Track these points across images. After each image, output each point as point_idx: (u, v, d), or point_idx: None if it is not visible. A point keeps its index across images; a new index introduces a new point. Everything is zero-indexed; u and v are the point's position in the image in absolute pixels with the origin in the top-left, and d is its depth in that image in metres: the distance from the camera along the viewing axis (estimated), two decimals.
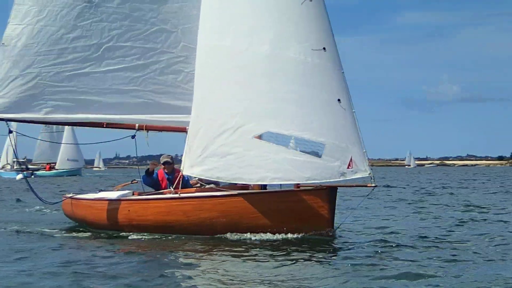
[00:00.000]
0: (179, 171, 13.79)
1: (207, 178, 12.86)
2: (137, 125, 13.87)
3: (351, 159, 11.65)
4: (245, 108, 12.19)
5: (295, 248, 11.24)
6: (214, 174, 12.45)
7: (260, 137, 12.02)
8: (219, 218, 12.35)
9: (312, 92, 11.88)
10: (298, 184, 12.21)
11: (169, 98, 13.62)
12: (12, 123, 13.95)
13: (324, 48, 11.94)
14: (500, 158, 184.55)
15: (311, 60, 11.91)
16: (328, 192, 11.90)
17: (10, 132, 14.24)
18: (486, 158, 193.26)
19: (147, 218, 13.06)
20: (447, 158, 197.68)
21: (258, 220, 12.15)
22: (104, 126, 13.98)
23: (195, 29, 13.29)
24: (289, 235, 12.01)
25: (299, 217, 11.98)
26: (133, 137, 14.27)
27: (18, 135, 15.62)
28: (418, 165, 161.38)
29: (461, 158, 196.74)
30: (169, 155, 14.18)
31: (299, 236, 11.99)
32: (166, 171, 13.94)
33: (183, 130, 13.75)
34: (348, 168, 11.64)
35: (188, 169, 12.73)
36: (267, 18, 12.20)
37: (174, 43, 13.48)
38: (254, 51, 12.21)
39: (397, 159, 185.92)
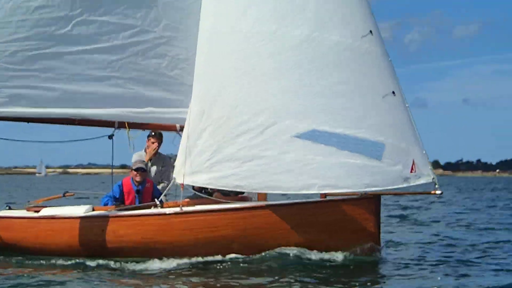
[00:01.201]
0: (150, 181, 11.09)
1: (219, 188, 10.26)
2: (116, 122, 10.83)
3: (413, 162, 9.75)
4: (274, 104, 9.72)
5: (333, 272, 9.30)
6: (231, 182, 9.85)
7: (300, 136, 9.74)
8: (239, 236, 9.94)
9: (364, 82, 9.77)
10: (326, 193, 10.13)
11: (153, 89, 10.69)
12: None
13: (370, 31, 9.96)
14: None
15: (359, 45, 9.85)
16: (375, 202, 9.92)
17: None
18: None
19: (132, 239, 10.22)
20: None
21: (289, 237, 9.87)
22: (76, 123, 10.80)
23: (179, 5, 10.71)
24: (325, 255, 9.88)
25: (340, 232, 9.86)
26: (110, 137, 11.15)
27: None
28: None
29: None
30: (143, 161, 11.27)
31: (338, 256, 9.90)
32: (138, 180, 11.01)
33: (173, 129, 11.02)
34: (411, 172, 9.74)
35: (187, 176, 10.06)
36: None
37: (154, 20, 10.62)
38: (286, 34, 9.88)
39: None
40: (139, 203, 10.84)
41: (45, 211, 10.93)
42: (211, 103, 9.99)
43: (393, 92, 9.83)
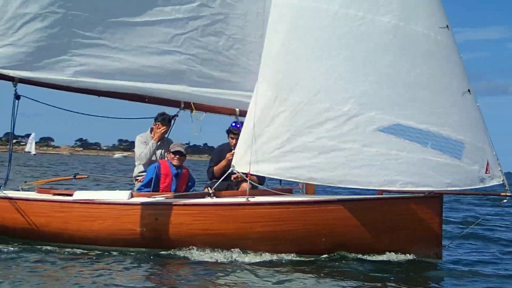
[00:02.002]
0: (186, 168, 10.35)
1: (287, 179, 9.65)
2: (182, 102, 9.91)
3: (487, 162, 9.65)
4: (363, 92, 9.28)
5: (397, 272, 8.93)
6: (305, 174, 9.30)
7: (384, 130, 9.34)
8: (308, 231, 9.41)
9: (446, 78, 9.50)
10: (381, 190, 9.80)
11: (212, 68, 9.92)
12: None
13: (447, 26, 9.73)
14: None
15: (441, 39, 9.54)
16: (441, 201, 9.74)
17: (18, 97, 9.25)
18: None
19: (191, 229, 9.46)
20: None
21: (360, 235, 9.49)
22: (146, 101, 9.77)
23: None
24: (378, 256, 9.51)
25: (406, 231, 9.56)
26: (173, 117, 10.25)
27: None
28: None
29: None
30: (184, 144, 10.42)
31: (396, 257, 9.55)
32: (175, 164, 10.21)
33: (232, 113, 10.25)
34: (486, 173, 9.60)
35: (247, 164, 9.40)
36: None
37: None
38: (374, 20, 9.43)
39: None
40: (175, 187, 10.13)
41: (79, 195, 9.87)
42: (287, 88, 9.39)
43: (469, 90, 9.68)
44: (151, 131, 10.98)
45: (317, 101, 9.31)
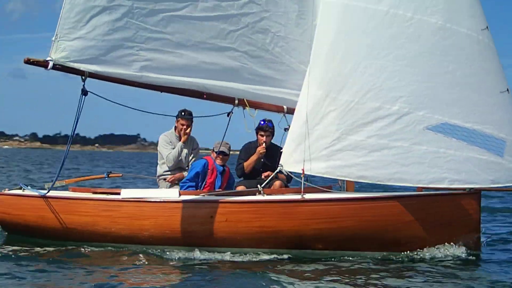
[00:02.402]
0: (227, 166, 10.38)
1: (337, 178, 9.77)
2: (237, 99, 9.88)
3: None
4: (412, 91, 9.49)
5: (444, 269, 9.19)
6: (355, 172, 9.48)
7: (433, 129, 9.55)
8: (363, 228, 9.57)
9: (488, 77, 9.82)
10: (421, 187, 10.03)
11: (260, 65, 9.92)
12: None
13: (487, 27, 10.01)
14: None
15: (482, 39, 9.84)
16: (480, 197, 10.03)
17: (86, 93, 8.98)
18: None
19: (248, 227, 9.50)
20: None
21: (413, 232, 9.67)
22: (204, 97, 9.70)
23: None
24: (427, 252, 9.72)
25: (452, 227, 9.79)
26: (228, 114, 10.20)
27: None
28: None
29: None
30: (228, 143, 10.43)
31: (442, 252, 9.77)
32: (219, 163, 10.25)
33: (281, 110, 10.28)
34: None
35: (298, 164, 9.48)
36: None
37: None
38: (422, 21, 9.62)
39: None
40: (220, 185, 10.14)
41: (128, 193, 9.75)
42: (337, 87, 9.52)
43: (507, 90, 9.99)
44: (175, 129, 10.96)
45: (366, 100, 9.48)
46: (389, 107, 9.47)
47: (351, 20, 9.59)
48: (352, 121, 9.49)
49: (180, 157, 10.75)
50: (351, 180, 9.77)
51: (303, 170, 9.48)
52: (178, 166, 10.83)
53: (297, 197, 9.55)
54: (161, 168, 10.89)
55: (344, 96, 9.51)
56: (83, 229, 9.77)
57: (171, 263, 9.01)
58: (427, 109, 9.50)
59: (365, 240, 9.60)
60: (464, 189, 9.74)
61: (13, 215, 9.99)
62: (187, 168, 10.80)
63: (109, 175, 11.25)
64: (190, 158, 10.90)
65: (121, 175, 11.76)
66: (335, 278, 8.37)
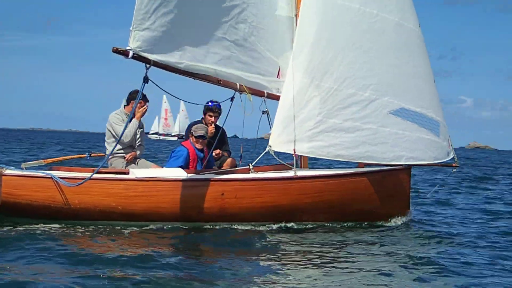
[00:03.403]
0: (206, 149, 10.88)
1: (318, 157, 10.64)
2: (238, 84, 10.19)
3: (449, 139, 11.76)
4: (379, 80, 10.76)
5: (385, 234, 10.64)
6: (333, 151, 10.54)
7: (394, 113, 10.88)
8: (340, 202, 10.67)
9: (428, 68, 11.39)
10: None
11: (243, 54, 10.42)
12: None
13: (419, 24, 11.57)
14: None
15: (421, 35, 11.40)
16: (410, 172, 11.65)
17: (147, 81, 8.78)
18: None
19: (253, 203, 10.13)
20: None
21: (367, 206, 11.00)
22: (220, 83, 9.88)
23: None
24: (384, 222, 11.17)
25: (393, 200, 11.35)
26: (232, 99, 10.43)
27: None
28: None
29: None
30: (205, 126, 10.76)
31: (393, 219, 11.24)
32: (199, 147, 10.62)
33: (262, 95, 10.79)
34: (449, 148, 11.72)
35: (284, 144, 10.35)
36: None
37: None
38: (384, 18, 10.87)
39: None
40: (201, 168, 10.60)
41: (139, 173, 9.87)
42: (321, 73, 10.49)
43: (434, 80, 11.72)
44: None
45: (344, 87, 10.58)
46: (361, 93, 10.68)
47: (331, 14, 10.58)
48: (332, 105, 10.54)
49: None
50: (330, 158, 10.80)
51: (294, 150, 10.34)
52: (130, 144, 11.03)
53: (291, 174, 10.39)
54: (110, 146, 10.82)
55: (326, 83, 10.51)
56: (97, 209, 9.70)
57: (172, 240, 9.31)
58: (389, 95, 10.88)
59: (341, 211, 10.75)
60: (401, 165, 11.29)
61: (20, 196, 9.51)
62: (136, 146, 11.05)
63: (91, 155, 11.04)
64: (138, 137, 11.14)
65: (103, 154, 11.37)
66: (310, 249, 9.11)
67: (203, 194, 9.95)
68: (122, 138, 10.70)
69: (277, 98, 10.91)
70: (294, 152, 10.36)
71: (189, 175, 10.07)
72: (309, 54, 10.49)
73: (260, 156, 10.51)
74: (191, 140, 10.67)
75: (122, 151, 10.98)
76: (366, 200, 10.87)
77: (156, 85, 9.08)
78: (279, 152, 10.54)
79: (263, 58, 10.85)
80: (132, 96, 11.10)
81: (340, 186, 10.66)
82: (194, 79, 9.78)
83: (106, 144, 11.14)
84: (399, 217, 11.28)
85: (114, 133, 10.95)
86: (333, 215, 10.70)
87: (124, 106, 11.17)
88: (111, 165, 11.01)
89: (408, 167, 11.40)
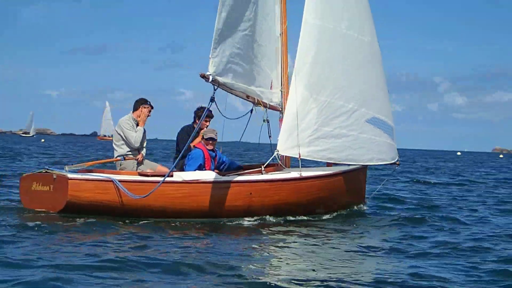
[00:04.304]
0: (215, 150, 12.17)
1: (314, 159, 12.17)
2: (256, 98, 11.45)
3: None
4: (358, 93, 12.54)
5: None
6: (326, 155, 12.23)
7: (368, 121, 12.71)
8: (331, 196, 12.43)
9: (384, 78, 13.33)
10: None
11: (252, 70, 11.83)
12: None
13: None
14: None
15: (379, 47, 13.30)
16: (366, 170, 13.67)
17: (213, 100, 10.73)
18: None
19: (273, 200, 11.59)
20: None
21: (345, 198, 12.85)
22: (247, 98, 11.26)
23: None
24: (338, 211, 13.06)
25: (357, 192, 13.29)
26: (251, 111, 11.66)
27: None
28: None
29: None
30: (214, 130, 11.91)
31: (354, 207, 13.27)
32: (210, 148, 11.79)
33: (265, 106, 12.12)
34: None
35: (289, 149, 11.90)
36: (364, 7, 12.82)
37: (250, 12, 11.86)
38: (361, 40, 12.67)
39: None
40: (213, 167, 11.83)
41: (183, 176, 11.18)
42: (319, 89, 12.10)
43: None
44: (132, 113, 12.08)
45: (335, 100, 12.28)
46: (347, 105, 12.44)
47: (324, 38, 12.20)
48: (326, 116, 12.19)
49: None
50: (323, 160, 12.44)
51: (299, 154, 11.87)
52: (138, 147, 12.03)
53: (296, 175, 11.93)
54: (121, 149, 11.92)
55: (322, 97, 12.12)
56: (151, 208, 10.79)
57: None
58: (365, 106, 12.76)
59: (326, 205, 12.46)
60: (362, 165, 13.27)
61: (89, 197, 10.59)
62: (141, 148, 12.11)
63: (126, 158, 11.84)
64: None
65: (137, 158, 12.09)
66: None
67: (235, 193, 11.27)
68: (132, 143, 11.73)
69: (273, 108, 12.44)
70: (299, 156, 11.91)
71: (221, 177, 11.30)
72: (308, 72, 12.04)
73: (270, 159, 11.95)
74: (203, 142, 11.86)
75: (130, 153, 11.93)
76: (345, 193, 12.74)
77: (216, 105, 10.49)
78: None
79: (263, 72, 12.28)
80: (138, 104, 12.06)
81: (332, 184, 12.39)
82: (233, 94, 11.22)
83: (115, 146, 12.04)
84: (361, 205, 13.34)
85: (124, 138, 11.87)
86: (326, 207, 12.42)
87: (132, 112, 12.10)
88: (120, 165, 11.90)
89: (365, 167, 13.41)
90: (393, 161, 13.55)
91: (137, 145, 11.89)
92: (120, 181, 10.70)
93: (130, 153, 11.95)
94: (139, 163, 11.96)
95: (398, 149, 13.86)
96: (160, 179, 10.82)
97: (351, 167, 12.84)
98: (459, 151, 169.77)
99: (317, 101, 12.13)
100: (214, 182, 11.17)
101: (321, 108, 12.18)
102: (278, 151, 11.84)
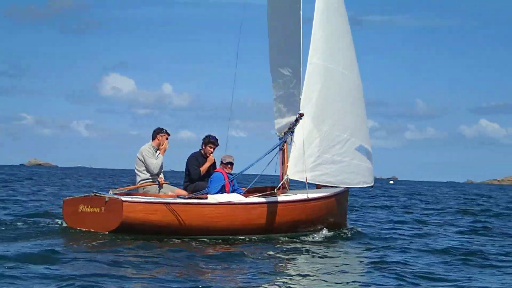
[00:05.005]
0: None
1: (316, 183, 13.73)
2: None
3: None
4: (350, 124, 14.20)
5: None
6: (325, 179, 13.83)
7: (357, 149, 14.39)
8: (327, 216, 14.00)
9: (364, 107, 15.07)
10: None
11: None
12: None
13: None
14: None
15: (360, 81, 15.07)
16: (348, 192, 15.37)
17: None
18: None
19: (288, 218, 13.15)
20: None
21: (338, 218, 14.51)
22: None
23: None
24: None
25: (344, 212, 14.98)
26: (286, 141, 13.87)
27: None
28: None
29: None
30: (231, 156, 13.30)
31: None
32: (228, 171, 13.20)
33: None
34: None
35: (297, 173, 13.44)
36: (352, 46, 14.56)
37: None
38: (352, 77, 14.44)
39: None
40: (232, 190, 13.20)
41: (217, 198, 12.53)
42: (321, 120, 13.71)
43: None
44: (152, 142, 13.33)
45: (334, 130, 13.92)
46: (343, 134, 14.11)
47: (327, 75, 13.82)
48: (326, 144, 13.80)
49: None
50: (325, 184, 14.01)
51: (306, 178, 13.41)
52: (158, 173, 13.25)
53: (304, 196, 13.49)
54: (144, 174, 13.21)
55: (324, 127, 13.72)
56: (198, 226, 12.19)
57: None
58: (355, 135, 14.48)
59: (322, 223, 14.03)
60: (345, 187, 14.96)
61: (141, 218, 11.84)
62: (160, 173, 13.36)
63: (161, 182, 13.06)
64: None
65: (168, 182, 13.24)
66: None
67: (259, 213, 12.71)
68: (152, 169, 12.97)
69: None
70: (306, 180, 13.47)
71: (247, 199, 12.71)
72: (314, 105, 13.61)
73: (281, 182, 13.44)
74: (221, 166, 13.22)
75: (151, 178, 13.12)
76: (336, 213, 14.41)
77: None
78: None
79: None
80: (155, 133, 13.30)
81: (329, 204, 14.04)
82: None
83: (137, 171, 13.18)
84: (344, 225, 15.01)
85: (145, 164, 13.04)
86: (324, 225, 14.00)
87: (152, 140, 13.32)
88: (143, 189, 13.06)
89: (347, 189, 15.11)
90: (372, 184, 15.35)
91: (156, 171, 13.10)
92: (173, 203, 12.01)
93: (150, 178, 13.13)
94: (160, 186, 13.15)
95: None
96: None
97: (338, 189, 14.54)
98: None
99: (320, 132, 13.71)
100: (243, 204, 12.61)
101: (323, 138, 13.77)
102: (287, 175, 13.34)
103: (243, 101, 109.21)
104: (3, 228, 12.56)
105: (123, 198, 11.91)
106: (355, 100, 14.65)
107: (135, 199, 12.07)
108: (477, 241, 14.79)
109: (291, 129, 13.34)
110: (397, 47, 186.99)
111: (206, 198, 12.68)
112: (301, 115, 12.74)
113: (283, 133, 14.04)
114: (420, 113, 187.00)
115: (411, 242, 13.74)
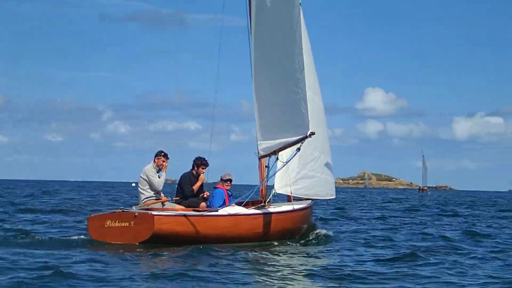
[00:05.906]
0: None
1: (296, 195, 15.39)
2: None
3: None
4: (319, 143, 15.99)
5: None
6: (302, 192, 15.61)
7: (325, 165, 16.21)
8: (306, 223, 15.75)
9: (326, 128, 16.97)
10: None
11: None
12: None
13: None
14: None
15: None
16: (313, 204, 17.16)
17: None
18: None
19: (284, 227, 14.79)
20: None
21: (310, 225, 16.26)
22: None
23: None
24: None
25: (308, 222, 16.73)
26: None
27: None
28: None
29: None
30: (229, 174, 14.74)
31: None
32: (227, 188, 14.60)
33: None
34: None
35: (282, 188, 15.14)
36: (315, 73, 16.41)
37: None
38: (319, 103, 16.29)
39: None
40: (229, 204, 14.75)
41: (229, 210, 14.06)
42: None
43: None
44: (154, 162, 14.61)
45: (309, 149, 15.71)
46: (315, 152, 15.94)
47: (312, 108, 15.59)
48: (303, 161, 15.59)
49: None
50: (302, 196, 15.70)
51: (291, 191, 15.09)
52: (159, 190, 14.56)
53: (290, 207, 15.13)
54: (147, 193, 14.50)
55: (302, 146, 15.44)
56: (213, 235, 13.63)
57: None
58: (323, 153, 16.35)
59: (300, 231, 15.72)
60: (311, 199, 16.77)
61: (169, 229, 13.31)
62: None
63: (173, 198, 14.63)
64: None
65: (169, 199, 14.49)
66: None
67: (260, 223, 14.32)
68: (156, 186, 14.28)
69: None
70: (291, 193, 15.17)
71: (247, 211, 14.28)
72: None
73: (270, 196, 15.03)
74: (221, 183, 14.73)
75: (154, 195, 14.40)
76: (310, 221, 16.19)
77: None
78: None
79: None
80: (155, 155, 14.59)
81: (309, 214, 15.78)
82: None
83: (140, 190, 14.40)
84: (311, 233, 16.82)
85: (150, 182, 14.32)
86: (303, 234, 15.71)
87: (154, 161, 14.59)
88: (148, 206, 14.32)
89: (314, 201, 16.92)
90: (334, 196, 17.27)
91: (159, 188, 14.38)
92: (192, 215, 13.57)
93: (154, 196, 14.39)
94: (163, 203, 14.42)
95: None
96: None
97: (309, 201, 16.32)
98: None
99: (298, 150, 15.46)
100: (247, 215, 14.22)
101: (301, 156, 15.50)
102: (275, 189, 14.99)
103: None
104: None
105: (154, 213, 13.30)
106: (320, 122, 16.50)
107: (163, 213, 13.50)
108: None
109: (298, 147, 14.54)
110: None
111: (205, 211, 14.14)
112: (312, 133, 14.25)
113: (276, 153, 15.30)
114: None
115: None
